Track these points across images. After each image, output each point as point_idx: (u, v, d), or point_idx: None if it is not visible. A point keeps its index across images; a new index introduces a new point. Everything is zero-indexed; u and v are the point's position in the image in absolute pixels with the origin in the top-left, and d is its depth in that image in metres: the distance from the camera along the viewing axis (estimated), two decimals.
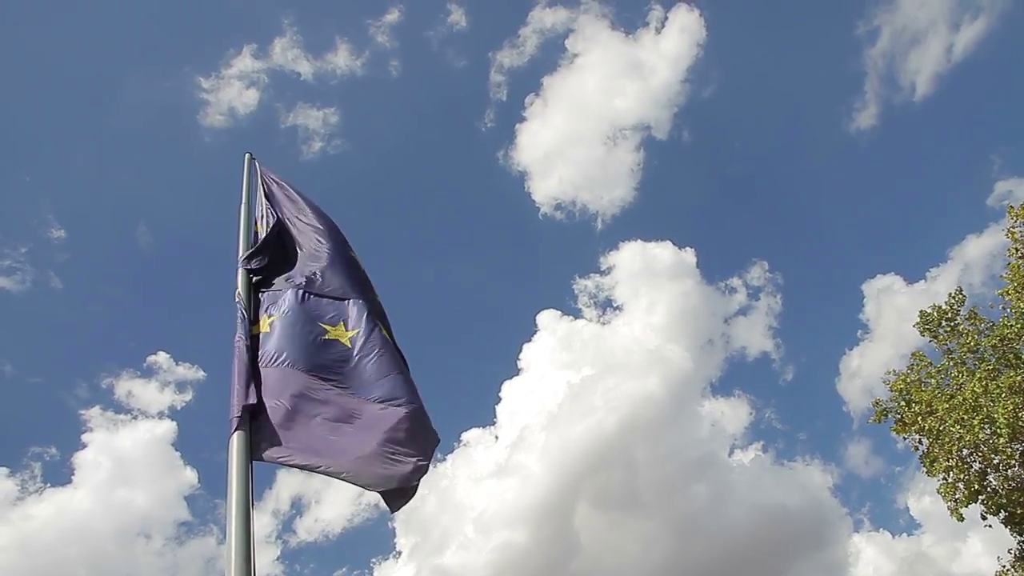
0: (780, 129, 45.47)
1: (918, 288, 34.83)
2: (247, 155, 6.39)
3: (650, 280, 38.33)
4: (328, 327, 5.03)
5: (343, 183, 42.18)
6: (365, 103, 43.58)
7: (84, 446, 31.47)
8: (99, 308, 38.51)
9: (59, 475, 34.58)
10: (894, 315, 33.34)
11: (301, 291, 5.16)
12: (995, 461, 15.53)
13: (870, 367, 33.46)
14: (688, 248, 39.19)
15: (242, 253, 5.42)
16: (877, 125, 41.32)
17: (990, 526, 15.96)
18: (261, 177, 6.25)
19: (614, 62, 41.71)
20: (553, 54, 43.58)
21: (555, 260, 45.61)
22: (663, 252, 38.14)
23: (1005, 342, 15.95)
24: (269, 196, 6.02)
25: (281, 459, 4.19)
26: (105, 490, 30.28)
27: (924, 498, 30.88)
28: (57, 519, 28.77)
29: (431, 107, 44.74)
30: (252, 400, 4.26)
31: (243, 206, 5.92)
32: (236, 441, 4.05)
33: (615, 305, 38.55)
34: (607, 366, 34.76)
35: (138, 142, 39.56)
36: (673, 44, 40.16)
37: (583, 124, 42.74)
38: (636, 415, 31.93)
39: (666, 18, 40.60)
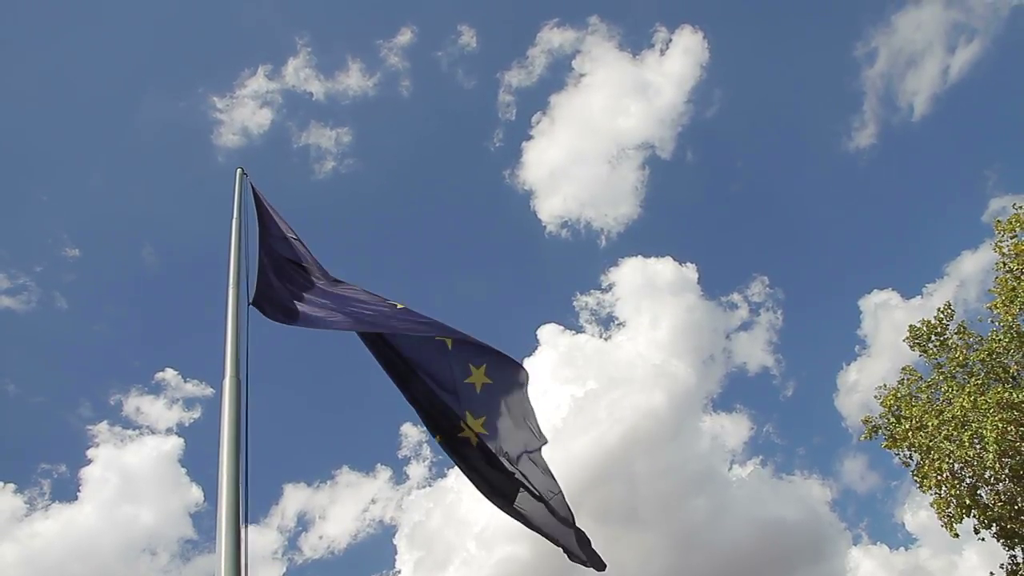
0: (781, 148, 45.90)
1: (914, 304, 34.94)
2: (238, 170, 6.44)
3: (652, 296, 38.38)
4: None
5: (354, 201, 42.78)
6: (376, 123, 43.83)
7: (90, 461, 31.04)
8: (109, 325, 38.48)
9: (66, 491, 34.22)
10: (891, 330, 33.40)
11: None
12: (986, 476, 15.55)
13: (867, 382, 33.42)
14: (689, 264, 39.28)
15: (233, 268, 5.47)
16: (875, 144, 41.79)
17: (983, 539, 15.97)
18: (257, 199, 6.36)
19: (620, 82, 41.91)
20: (560, 74, 43.93)
21: (560, 277, 45.80)
22: (664, 268, 38.29)
23: (994, 356, 16.05)
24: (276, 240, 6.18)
25: None
26: (111, 506, 29.97)
27: (920, 512, 30.82)
28: (63, 536, 28.51)
29: (441, 126, 45.13)
30: None
31: (234, 221, 5.96)
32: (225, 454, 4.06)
33: (617, 321, 38.59)
34: (611, 380, 34.73)
35: (153, 161, 39.78)
36: (677, 65, 40.45)
37: (589, 143, 43.04)
38: (638, 430, 31.91)
39: (670, 40, 40.94)
